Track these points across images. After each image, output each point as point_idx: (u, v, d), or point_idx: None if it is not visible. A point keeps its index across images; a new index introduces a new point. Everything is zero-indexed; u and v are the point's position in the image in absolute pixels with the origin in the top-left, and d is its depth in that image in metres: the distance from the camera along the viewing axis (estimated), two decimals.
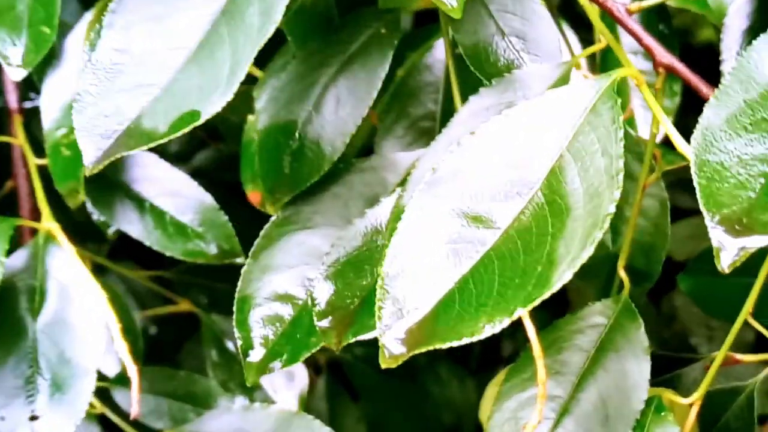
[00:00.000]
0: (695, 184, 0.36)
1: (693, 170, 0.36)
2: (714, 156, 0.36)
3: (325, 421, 1.19)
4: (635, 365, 0.51)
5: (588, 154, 0.37)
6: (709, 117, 0.37)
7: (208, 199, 0.68)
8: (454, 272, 0.36)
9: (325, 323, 0.43)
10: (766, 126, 0.37)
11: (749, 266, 0.71)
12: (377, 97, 0.61)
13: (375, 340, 0.35)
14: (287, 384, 0.78)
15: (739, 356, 0.64)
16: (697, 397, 0.53)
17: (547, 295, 0.34)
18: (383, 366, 0.34)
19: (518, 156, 0.38)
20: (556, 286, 0.34)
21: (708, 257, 0.77)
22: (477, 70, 0.46)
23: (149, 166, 0.69)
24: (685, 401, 0.54)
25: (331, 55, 0.48)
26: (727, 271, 0.35)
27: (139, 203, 0.68)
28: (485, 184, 0.38)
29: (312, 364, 1.15)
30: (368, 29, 0.49)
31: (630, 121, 0.75)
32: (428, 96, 0.59)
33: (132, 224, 0.68)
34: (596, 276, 0.60)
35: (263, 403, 0.70)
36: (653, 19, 0.71)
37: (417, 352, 0.34)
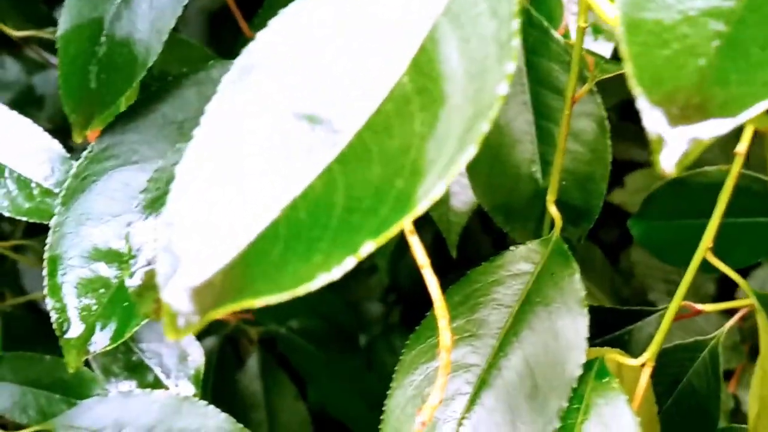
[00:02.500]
0: (623, 55, 0.25)
1: (621, 36, 0.25)
2: (649, 13, 0.25)
3: (260, 402, 1.08)
4: (569, 321, 0.40)
5: (470, 19, 0.26)
6: None
7: (56, 147, 0.56)
8: (278, 195, 0.24)
9: (137, 281, 0.31)
10: None
11: (706, 204, 0.61)
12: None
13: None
14: (179, 365, 0.67)
15: (699, 306, 0.54)
16: (649, 356, 0.43)
17: (407, 219, 0.23)
18: (168, 336, 0.23)
19: (373, 28, 0.27)
20: (420, 206, 0.23)
21: (659, 199, 0.66)
22: None
23: None
24: (634, 362, 0.43)
25: None
26: (671, 172, 0.23)
27: None
28: (325, 69, 0.26)
29: (244, 339, 1.05)
30: None
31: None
32: None
33: None
34: (525, 219, 0.49)
35: (146, 389, 0.59)
36: None
37: (217, 313, 0.23)
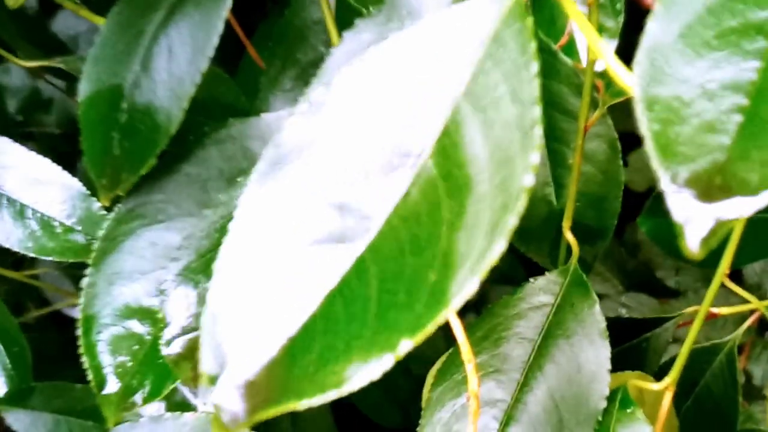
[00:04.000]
0: (644, 131, 0.25)
1: (639, 111, 0.26)
2: (667, 88, 0.26)
3: None
4: (591, 353, 0.41)
5: (492, 102, 0.26)
6: (657, 34, 0.26)
7: (76, 185, 0.57)
8: (314, 290, 0.25)
9: (174, 350, 0.32)
10: (737, 38, 0.26)
11: None
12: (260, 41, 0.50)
13: None
14: None
15: (716, 310, 0.54)
16: (670, 381, 0.44)
17: (443, 316, 0.24)
18: None
19: (396, 112, 0.27)
20: (455, 302, 0.24)
21: None
22: None
23: (2, 152, 0.57)
24: (656, 386, 0.44)
25: None
26: (698, 254, 0.24)
27: None
28: (352, 156, 0.27)
29: None
30: None
31: (570, 48, 0.64)
32: (317, 37, 0.48)
33: None
34: (541, 240, 0.50)
35: (176, 413, 0.60)
36: None
37: (266, 414, 0.24)
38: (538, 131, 0.25)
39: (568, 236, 0.46)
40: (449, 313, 0.23)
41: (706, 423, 0.59)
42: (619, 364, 0.52)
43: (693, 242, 0.24)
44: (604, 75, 0.52)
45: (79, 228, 0.56)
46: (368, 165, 0.27)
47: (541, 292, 0.43)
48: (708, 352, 0.59)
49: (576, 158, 0.46)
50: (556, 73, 0.49)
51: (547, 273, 0.44)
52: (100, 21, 0.51)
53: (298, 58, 0.48)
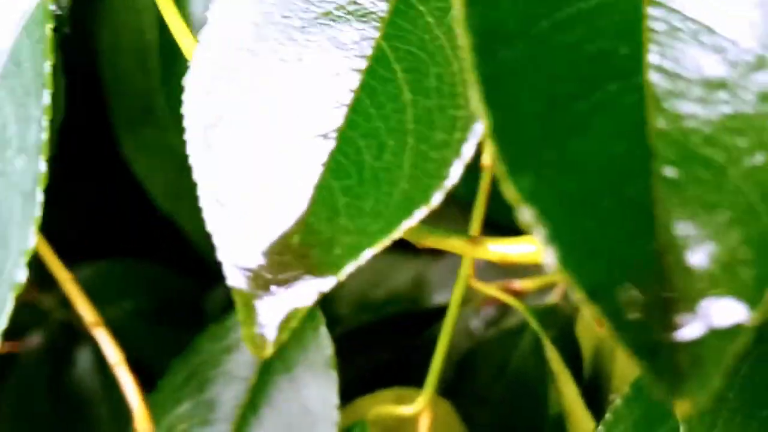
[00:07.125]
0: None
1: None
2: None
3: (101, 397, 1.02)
4: (315, 388, 0.34)
5: (14, 152, 0.19)
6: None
7: None
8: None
9: None
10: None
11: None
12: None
13: None
14: None
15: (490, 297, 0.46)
16: (423, 404, 0.37)
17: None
18: None
19: None
20: None
21: None
22: None
23: None
24: (408, 411, 0.37)
25: None
26: (267, 352, 0.17)
27: None
28: None
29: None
30: None
31: None
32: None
33: None
34: None
35: None
36: None
37: None
38: (40, 196, 0.17)
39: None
40: None
41: (520, 407, 0.54)
42: (393, 371, 0.45)
43: (267, 333, 0.17)
44: None
45: None
46: None
47: None
48: (512, 333, 0.54)
49: None
50: None
51: None
52: None
53: None
